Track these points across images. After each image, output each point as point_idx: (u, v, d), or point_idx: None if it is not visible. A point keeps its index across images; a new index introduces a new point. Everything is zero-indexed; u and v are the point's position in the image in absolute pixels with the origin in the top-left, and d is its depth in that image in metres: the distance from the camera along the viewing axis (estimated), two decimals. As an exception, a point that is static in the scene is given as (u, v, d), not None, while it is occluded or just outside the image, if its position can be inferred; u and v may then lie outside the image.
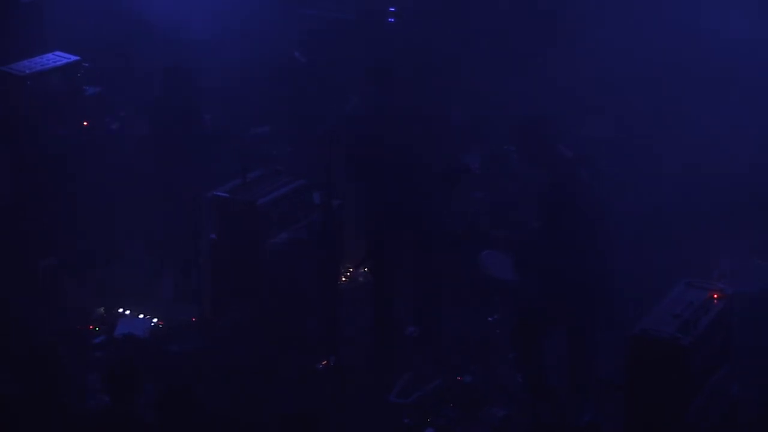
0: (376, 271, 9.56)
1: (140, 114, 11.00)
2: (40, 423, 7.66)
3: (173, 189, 10.12)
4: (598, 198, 8.22)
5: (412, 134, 9.11)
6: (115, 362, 8.66)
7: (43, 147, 10.30)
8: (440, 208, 9.48)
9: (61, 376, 7.88)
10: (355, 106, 9.47)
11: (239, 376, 9.09)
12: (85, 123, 10.67)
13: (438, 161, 9.28)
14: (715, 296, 7.70)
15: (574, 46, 11.07)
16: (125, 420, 7.38)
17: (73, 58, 10.62)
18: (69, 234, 10.54)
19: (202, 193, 9.56)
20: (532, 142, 8.33)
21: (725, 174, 10.05)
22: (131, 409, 7.42)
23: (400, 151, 9.06)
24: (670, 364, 7.26)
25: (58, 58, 10.58)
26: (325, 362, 9.17)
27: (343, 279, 10.50)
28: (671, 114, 10.39)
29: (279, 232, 9.41)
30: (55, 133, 10.40)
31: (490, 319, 9.45)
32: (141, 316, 10.11)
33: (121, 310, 10.17)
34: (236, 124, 11.62)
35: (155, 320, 10.04)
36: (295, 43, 12.13)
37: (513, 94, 11.08)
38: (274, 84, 12.14)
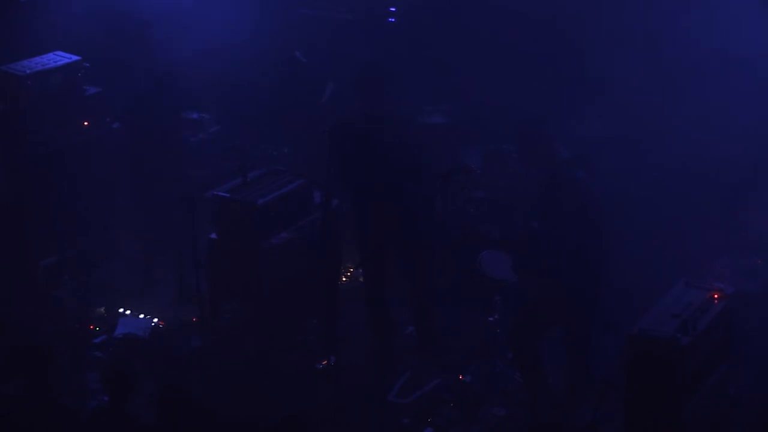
0: (367, 273, 9.55)
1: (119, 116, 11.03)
2: (39, 423, 7.66)
3: (150, 190, 10.24)
4: (596, 198, 8.22)
5: (400, 137, 9.11)
6: (113, 362, 8.67)
7: (44, 146, 10.30)
8: (433, 209, 9.47)
9: (58, 375, 7.88)
10: (332, 94, 9.42)
11: (239, 376, 9.10)
12: (85, 123, 10.68)
13: (427, 162, 9.28)
14: (715, 296, 7.70)
15: (574, 45, 11.08)
16: (124, 420, 7.38)
17: (74, 58, 10.62)
18: (69, 234, 10.54)
19: (195, 193, 9.56)
20: (531, 143, 8.34)
21: (725, 173, 10.05)
22: (130, 408, 7.42)
23: (388, 154, 9.05)
24: (669, 364, 7.26)
25: (59, 57, 10.58)
26: (325, 362, 9.17)
27: (343, 279, 10.50)
28: (671, 114, 10.38)
29: (279, 232, 9.41)
30: (55, 132, 10.40)
31: (490, 319, 9.45)
32: (141, 315, 10.12)
33: (121, 309, 10.18)
34: (237, 128, 11.67)
35: (155, 320, 10.04)
36: (295, 43, 12.14)
37: (513, 94, 11.08)
38: (274, 83, 12.15)
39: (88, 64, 10.68)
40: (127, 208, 10.89)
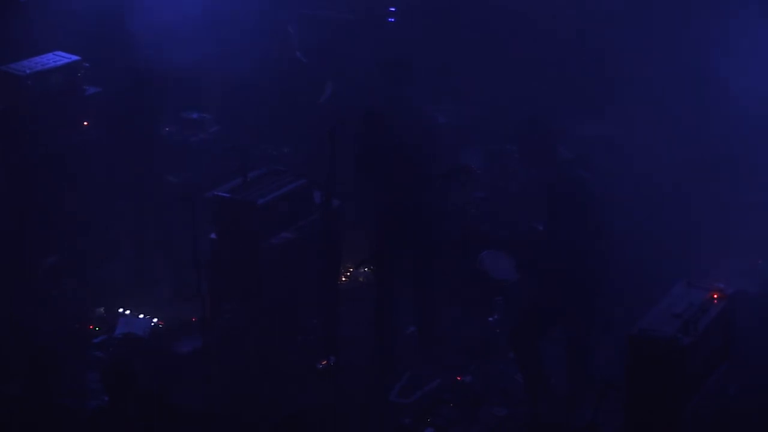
0: (379, 271, 9.55)
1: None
2: (39, 423, 7.65)
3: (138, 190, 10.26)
4: (597, 198, 8.22)
5: (415, 132, 9.14)
6: (113, 362, 8.67)
7: (44, 147, 10.30)
8: (440, 208, 9.48)
9: (58, 375, 7.88)
10: (330, 95, 9.40)
11: (239, 376, 9.09)
12: (85, 123, 10.68)
13: (436, 160, 9.29)
14: (715, 296, 7.70)
15: (575, 45, 11.08)
16: (124, 420, 7.38)
17: (74, 58, 10.63)
18: (69, 234, 10.54)
19: (195, 193, 9.56)
20: (532, 143, 8.34)
21: (725, 173, 10.05)
22: (129, 408, 7.42)
23: (406, 149, 9.07)
24: (669, 364, 7.26)
25: (59, 58, 10.58)
26: (325, 362, 9.17)
27: (343, 279, 10.50)
28: (672, 113, 10.38)
29: (279, 232, 9.41)
30: (55, 133, 10.41)
31: (490, 319, 9.45)
32: (141, 315, 10.12)
33: (121, 309, 10.18)
34: (237, 128, 11.66)
35: (155, 320, 10.04)
36: (296, 43, 12.13)
37: (514, 94, 11.08)
38: (275, 84, 12.15)
39: (87, 64, 10.68)
40: (125, 208, 10.89)
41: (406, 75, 9.18)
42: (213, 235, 9.40)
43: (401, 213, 9.18)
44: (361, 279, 10.61)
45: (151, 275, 10.71)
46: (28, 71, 10.24)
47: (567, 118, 10.11)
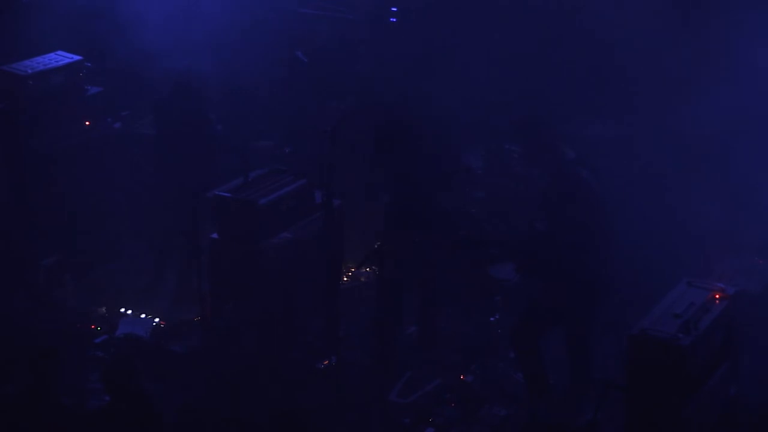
0: (384, 271, 9.52)
1: (144, 114, 11.05)
2: (39, 423, 7.65)
3: (175, 189, 10.12)
4: (598, 198, 8.21)
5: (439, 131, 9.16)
6: (113, 361, 8.67)
7: (45, 146, 10.31)
8: (443, 207, 9.49)
9: (58, 375, 7.88)
10: (351, 109, 9.46)
11: (239, 376, 9.09)
12: (87, 122, 10.69)
13: (446, 160, 9.30)
14: (716, 296, 7.69)
15: (576, 45, 11.08)
16: (124, 420, 7.39)
17: (75, 57, 10.65)
18: (69, 234, 10.55)
19: (203, 193, 9.56)
20: (533, 142, 8.33)
21: (726, 173, 10.05)
22: (129, 408, 7.43)
23: (424, 147, 9.08)
24: (670, 364, 7.25)
25: (60, 57, 10.61)
26: (325, 362, 9.17)
27: (344, 279, 10.50)
28: (672, 113, 10.38)
29: (280, 232, 9.41)
30: (56, 132, 10.41)
31: (491, 319, 9.45)
32: (142, 315, 10.12)
33: (122, 309, 10.18)
34: (239, 128, 11.65)
35: (156, 320, 10.04)
36: (297, 43, 12.15)
37: (514, 93, 11.08)
38: (276, 84, 12.15)
39: (89, 64, 10.69)
40: (130, 208, 10.88)
41: (427, 70, 9.20)
42: (213, 235, 9.41)
43: (411, 209, 9.15)
44: (362, 279, 10.61)
45: (151, 275, 10.70)
46: (29, 71, 10.26)
47: (569, 118, 10.12)
